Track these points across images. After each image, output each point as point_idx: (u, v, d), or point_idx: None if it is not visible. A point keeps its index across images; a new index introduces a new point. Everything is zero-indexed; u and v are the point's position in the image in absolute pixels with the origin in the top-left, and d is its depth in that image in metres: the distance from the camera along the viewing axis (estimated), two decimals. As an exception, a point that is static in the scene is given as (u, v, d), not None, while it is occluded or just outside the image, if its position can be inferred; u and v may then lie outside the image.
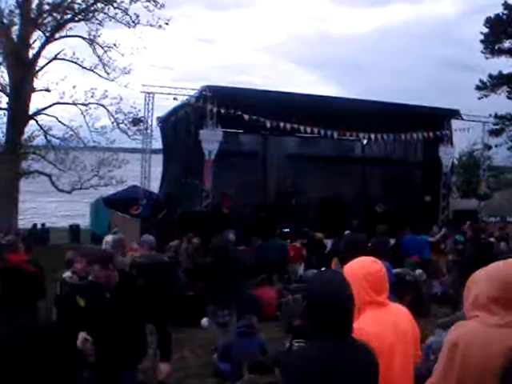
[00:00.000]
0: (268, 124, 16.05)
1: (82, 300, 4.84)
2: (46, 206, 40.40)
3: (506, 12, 32.12)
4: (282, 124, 16.23)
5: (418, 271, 12.16)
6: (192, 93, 16.63)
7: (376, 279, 3.43)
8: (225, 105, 15.47)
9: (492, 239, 16.11)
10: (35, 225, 23.34)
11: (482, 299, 2.72)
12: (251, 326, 7.86)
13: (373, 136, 17.75)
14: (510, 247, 15.25)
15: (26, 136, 22.58)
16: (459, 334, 2.70)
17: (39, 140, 23.35)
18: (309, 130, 16.81)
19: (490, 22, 32.63)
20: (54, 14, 22.11)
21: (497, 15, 32.36)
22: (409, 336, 3.45)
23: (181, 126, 17.76)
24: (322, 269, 6.34)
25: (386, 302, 3.46)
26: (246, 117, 15.62)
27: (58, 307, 5.56)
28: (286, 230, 16.17)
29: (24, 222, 24.64)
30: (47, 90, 22.60)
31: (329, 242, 14.53)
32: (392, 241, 15.15)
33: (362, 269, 3.45)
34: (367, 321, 3.30)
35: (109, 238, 10.27)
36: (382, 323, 3.33)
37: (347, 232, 14.55)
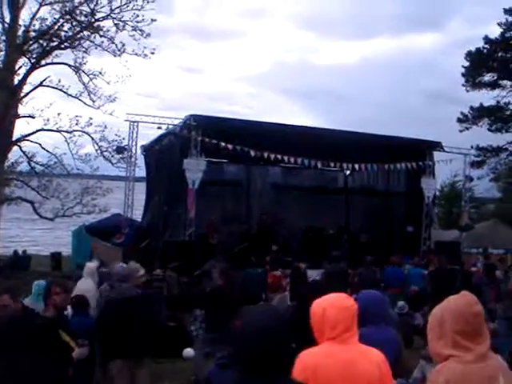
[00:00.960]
0: (252, 153, 16.12)
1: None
2: (30, 233, 40.04)
3: (486, 46, 32.73)
4: (266, 154, 16.31)
5: (400, 303, 12.20)
6: (176, 122, 16.71)
7: (344, 315, 3.39)
8: (209, 134, 15.55)
9: (474, 269, 16.27)
10: (16, 251, 23.14)
11: (451, 336, 2.79)
12: (230, 357, 7.79)
13: (356, 166, 17.87)
14: (507, 275, 15.41)
15: (9, 162, 22.50)
16: (447, 379, 2.76)
17: (23, 166, 23.27)
18: (292, 160, 16.91)
19: (470, 56, 33.21)
20: (40, 41, 22.18)
21: (477, 49, 32.96)
22: (364, 379, 3.33)
23: (165, 155, 17.80)
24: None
25: (352, 340, 3.40)
26: (230, 146, 15.70)
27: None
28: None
29: (7, 249, 24.42)
30: (31, 117, 22.58)
31: (311, 273, 14.54)
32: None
33: (334, 302, 3.44)
34: (313, 352, 3.30)
35: (90, 264, 10.26)
36: (330, 356, 3.29)
37: (327, 264, 14.66)
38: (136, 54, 23.08)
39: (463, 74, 33.77)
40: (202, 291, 11.16)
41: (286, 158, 16.74)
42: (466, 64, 33.55)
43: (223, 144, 15.57)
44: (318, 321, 3.36)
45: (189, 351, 10.69)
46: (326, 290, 3.74)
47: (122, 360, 6.65)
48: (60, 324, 5.52)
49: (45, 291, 6.28)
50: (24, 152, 22.97)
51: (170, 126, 16.88)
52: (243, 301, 12.07)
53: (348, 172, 23.48)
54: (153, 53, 23.21)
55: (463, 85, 33.77)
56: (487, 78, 33.62)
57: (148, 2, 22.26)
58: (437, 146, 19.13)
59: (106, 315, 6.93)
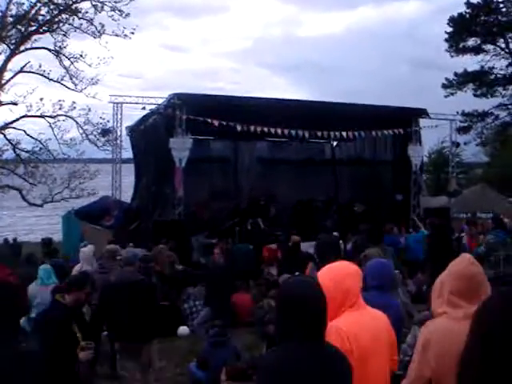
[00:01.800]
0: (238, 128, 16.01)
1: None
2: (20, 221, 39.90)
3: (468, 11, 32.63)
4: (252, 127, 16.19)
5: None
6: (160, 101, 16.60)
7: (354, 282, 3.49)
8: (194, 112, 15.44)
9: (463, 234, 16.37)
10: (7, 239, 23.03)
11: (447, 295, 2.82)
12: (223, 335, 7.86)
13: (344, 134, 17.74)
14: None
15: (-7, 151, 22.36)
16: (430, 331, 2.80)
17: (8, 154, 23.11)
18: (279, 131, 16.79)
19: (453, 21, 33.15)
20: (18, 27, 21.91)
21: (460, 14, 32.86)
22: (384, 341, 3.49)
23: (150, 135, 17.69)
24: (296, 274, 6.44)
25: (362, 304, 3.51)
26: (216, 122, 15.59)
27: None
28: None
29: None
30: (14, 104, 22.39)
31: (303, 245, 14.59)
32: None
33: (341, 271, 3.52)
34: (347, 321, 3.35)
35: (85, 250, 10.27)
36: (360, 325, 3.37)
37: (321, 234, 14.71)
38: (116, 35, 22.90)
39: (446, 40, 33.70)
40: (203, 268, 11.20)
41: (272, 130, 16.59)
42: (449, 30, 33.48)
43: (209, 120, 15.45)
44: (337, 290, 3.39)
45: (183, 329, 10.74)
46: (322, 260, 3.82)
47: (125, 343, 6.76)
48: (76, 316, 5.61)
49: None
50: (8, 139, 22.82)
51: (154, 106, 16.76)
52: (237, 275, 12.21)
53: (335, 143, 23.48)
54: (133, 33, 23.06)
55: (447, 50, 33.74)
56: (471, 42, 33.62)
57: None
58: (422, 113, 19.10)
59: (108, 299, 7.02)
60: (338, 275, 3.47)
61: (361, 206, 19.18)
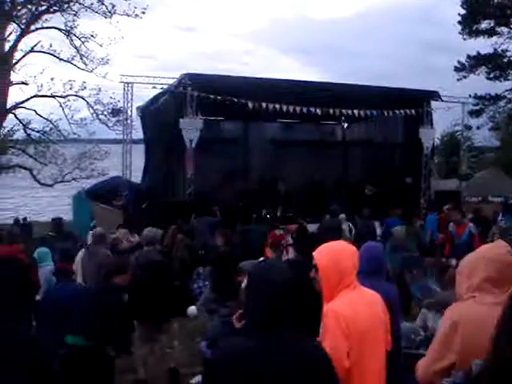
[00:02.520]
0: (250, 105, 15.88)
1: None
2: (30, 201, 40.05)
3: (482, -8, 32.19)
4: (264, 105, 16.06)
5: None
6: (171, 81, 16.52)
7: (351, 262, 3.44)
8: (204, 92, 15.37)
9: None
10: (17, 219, 23.15)
11: (479, 281, 2.79)
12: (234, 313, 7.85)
13: (356, 112, 17.60)
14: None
15: (5, 130, 22.35)
16: (459, 314, 2.76)
17: (19, 134, 23.14)
18: (291, 110, 16.64)
19: (466, 3, 32.65)
20: (29, 6, 21.83)
21: (474, -4, 32.42)
22: (380, 321, 3.47)
23: (161, 116, 17.65)
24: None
25: (356, 284, 3.46)
26: (228, 100, 15.47)
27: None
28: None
29: (8, 217, 24.39)
30: (25, 84, 22.38)
31: (312, 227, 14.59)
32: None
33: (338, 251, 3.48)
34: (343, 303, 3.30)
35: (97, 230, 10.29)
36: (356, 306, 3.34)
37: (324, 219, 14.72)
38: (127, 15, 22.81)
39: (460, 22, 33.25)
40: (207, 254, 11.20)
41: (284, 108, 16.45)
42: (463, 12, 33.04)
43: (219, 98, 15.34)
44: (334, 270, 3.36)
45: (193, 309, 10.76)
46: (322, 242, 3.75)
47: (148, 323, 6.92)
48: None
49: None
50: (19, 119, 22.84)
51: (165, 86, 16.69)
52: (245, 258, 12.19)
53: (346, 125, 23.36)
54: (144, 12, 22.90)
55: (460, 33, 33.27)
56: (484, 25, 33.12)
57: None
58: (434, 95, 18.97)
59: (135, 280, 7.03)
60: (334, 255, 3.43)
61: (371, 188, 19.08)
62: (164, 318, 7.15)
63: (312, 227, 14.56)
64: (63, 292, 6.46)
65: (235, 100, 15.53)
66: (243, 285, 9.60)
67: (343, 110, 17.58)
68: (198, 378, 7.26)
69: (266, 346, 2.47)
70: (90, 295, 5.96)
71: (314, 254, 3.52)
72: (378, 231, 15.07)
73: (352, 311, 3.27)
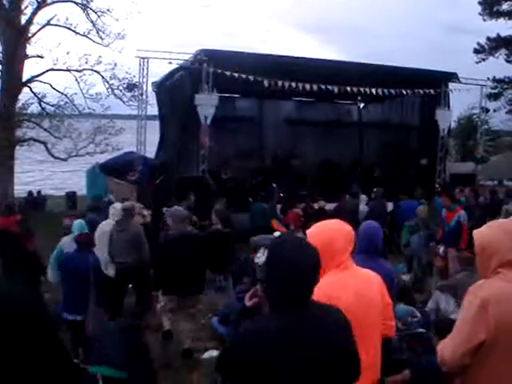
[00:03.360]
0: (266, 83, 15.78)
1: None
2: (44, 174, 40.29)
3: (504, -27, 31.68)
4: (280, 83, 15.93)
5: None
6: (187, 57, 16.41)
7: (343, 241, 3.36)
8: (220, 68, 15.27)
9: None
10: (31, 192, 23.27)
11: (505, 258, 2.73)
12: (247, 291, 7.86)
13: (374, 91, 17.42)
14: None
15: (20, 104, 22.34)
16: (488, 292, 2.69)
17: (33, 107, 23.10)
18: (308, 87, 16.50)
19: (488, -16, 32.19)
20: (46, -21, 21.70)
21: (495, -24, 31.91)
22: (374, 304, 3.35)
23: (176, 91, 17.57)
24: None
25: (349, 264, 3.37)
26: (243, 76, 15.37)
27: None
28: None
29: (23, 190, 24.54)
30: (40, 57, 22.27)
31: (327, 206, 14.59)
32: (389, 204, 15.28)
33: (330, 230, 3.40)
34: (328, 282, 3.20)
35: (117, 205, 10.28)
36: (344, 286, 3.24)
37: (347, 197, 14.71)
38: (144, -11, 22.57)
39: (480, 3, 32.75)
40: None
41: (300, 85, 16.30)
42: (484, -8, 32.55)
43: (236, 75, 15.24)
44: (327, 249, 3.22)
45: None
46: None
47: (184, 296, 7.27)
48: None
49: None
50: (34, 93, 22.78)
51: (181, 62, 16.60)
52: (252, 233, 12.24)
53: (362, 105, 23.19)
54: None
55: (480, 14, 32.79)
56: (505, 6, 32.61)
57: None
58: (452, 76, 18.76)
59: (170, 253, 7.29)
60: (327, 234, 3.35)
61: (378, 170, 19.02)
62: (199, 289, 7.67)
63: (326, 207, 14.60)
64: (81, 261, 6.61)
65: (251, 78, 15.42)
66: (257, 260, 9.64)
67: (360, 88, 17.40)
68: (210, 352, 7.29)
69: (296, 326, 2.48)
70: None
71: (307, 232, 3.44)
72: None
73: (337, 290, 3.17)
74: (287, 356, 2.42)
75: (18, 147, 22.10)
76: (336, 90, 16.80)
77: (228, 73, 15.15)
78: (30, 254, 7.11)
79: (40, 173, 40.13)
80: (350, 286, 3.26)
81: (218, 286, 10.73)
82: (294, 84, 16.16)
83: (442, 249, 9.81)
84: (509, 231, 2.81)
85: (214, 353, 7.23)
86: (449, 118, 19.79)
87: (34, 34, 22.20)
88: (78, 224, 7.59)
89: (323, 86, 16.54)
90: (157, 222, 12.58)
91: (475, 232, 2.95)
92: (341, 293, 3.17)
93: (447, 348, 2.80)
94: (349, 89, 16.96)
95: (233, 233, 11.68)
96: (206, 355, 7.25)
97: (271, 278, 2.61)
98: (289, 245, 2.64)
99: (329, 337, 2.52)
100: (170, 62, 16.54)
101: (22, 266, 6.62)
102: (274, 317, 2.56)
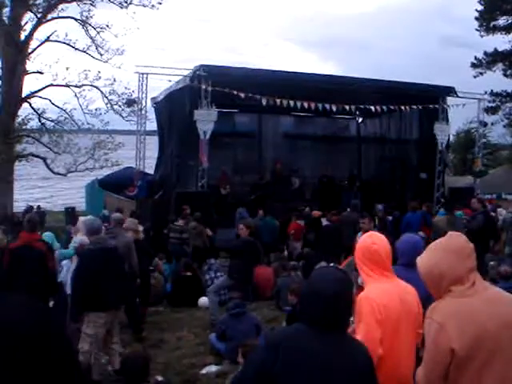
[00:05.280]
0: (264, 101, 15.89)
1: None
2: (43, 189, 40.29)
3: (500, -12, 31.86)
4: (278, 101, 16.05)
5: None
6: (186, 73, 16.49)
7: (379, 254, 3.53)
8: (219, 84, 15.34)
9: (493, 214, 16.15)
10: (31, 207, 23.23)
11: (454, 275, 2.74)
12: (242, 306, 7.88)
13: (372, 108, 17.50)
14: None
15: (19, 119, 22.39)
16: (443, 314, 2.69)
17: (33, 123, 23.14)
18: (306, 105, 16.61)
19: (484, -1, 32.37)
20: (46, -5, 21.80)
21: (491, -9, 32.07)
22: (413, 312, 3.48)
23: (175, 107, 17.64)
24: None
25: (391, 275, 3.54)
26: (242, 94, 15.47)
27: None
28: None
29: (22, 206, 24.51)
30: (40, 73, 22.35)
31: (324, 221, 14.59)
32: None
33: (369, 243, 3.58)
34: (375, 292, 3.37)
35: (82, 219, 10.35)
36: (389, 295, 3.40)
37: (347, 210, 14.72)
38: (143, 5, 22.65)
39: (477, 18, 32.95)
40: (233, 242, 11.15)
41: (298, 104, 16.42)
42: (480, 8, 32.74)
43: (235, 92, 15.34)
44: (375, 258, 3.49)
45: (205, 300, 10.77)
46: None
47: (98, 312, 6.69)
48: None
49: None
50: (34, 108, 22.84)
51: (180, 78, 16.68)
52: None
53: (360, 120, 23.27)
54: (160, 3, 22.76)
55: (477, 29, 32.98)
56: (501, 21, 32.80)
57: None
58: (450, 91, 18.84)
59: (81, 266, 6.96)
60: (382, 243, 3.58)
61: (375, 182, 19.17)
62: (113, 306, 6.87)
63: (323, 221, 14.62)
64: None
65: (249, 95, 15.52)
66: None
67: (359, 106, 17.50)
68: (208, 368, 7.28)
69: (324, 345, 2.60)
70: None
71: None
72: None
73: (386, 299, 3.33)
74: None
75: (17, 162, 22.14)
76: (334, 108, 16.94)
77: (227, 90, 15.22)
78: (51, 272, 7.11)
79: (37, 188, 40.16)
80: (397, 296, 3.43)
81: (219, 299, 10.66)
82: (291, 102, 16.25)
83: None
84: (448, 250, 2.83)
85: (213, 368, 7.21)
86: (447, 131, 19.84)
87: (34, 50, 22.31)
88: (47, 236, 7.59)
89: (320, 105, 16.64)
90: (159, 236, 12.63)
91: (418, 259, 2.96)
92: (389, 302, 3.36)
93: (421, 376, 2.82)
94: (347, 107, 17.11)
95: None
96: (205, 371, 7.23)
97: (303, 303, 2.84)
98: (321, 275, 2.83)
99: (352, 368, 2.60)
100: (170, 80, 16.65)
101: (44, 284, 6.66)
102: (302, 329, 2.68)
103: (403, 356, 3.37)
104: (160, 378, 6.02)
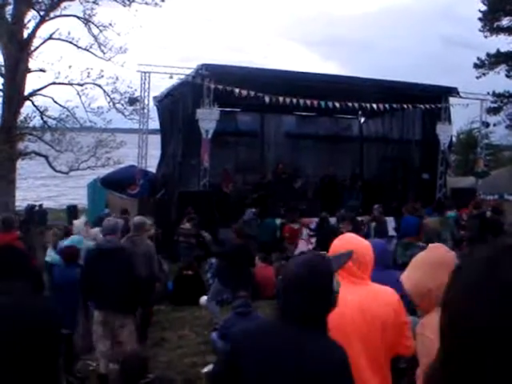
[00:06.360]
0: (267, 99, 15.87)
1: None
2: (45, 187, 40.36)
3: (503, -11, 31.81)
4: (281, 99, 16.03)
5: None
6: (188, 72, 16.50)
7: (371, 256, 3.37)
8: (222, 83, 15.35)
9: (488, 213, 16.11)
10: (32, 205, 23.20)
11: (442, 288, 2.70)
12: (247, 305, 7.87)
13: (375, 106, 17.49)
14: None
15: (21, 117, 22.41)
16: (435, 329, 2.63)
17: (35, 121, 23.16)
18: (308, 103, 16.59)
19: (488, 0, 32.33)
20: (49, -7, 21.82)
21: (495, -8, 32.02)
22: (379, 321, 3.18)
23: (178, 106, 17.64)
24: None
25: (359, 281, 3.28)
26: (244, 92, 15.46)
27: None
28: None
29: (24, 203, 24.52)
30: (42, 71, 22.36)
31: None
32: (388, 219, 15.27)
33: (335, 246, 3.36)
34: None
35: (76, 222, 10.36)
36: (345, 304, 2.98)
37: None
38: (146, 3, 22.66)
39: (480, 19, 32.90)
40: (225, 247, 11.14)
41: (301, 101, 16.39)
42: (484, 8, 32.69)
43: (237, 90, 15.33)
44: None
45: (205, 299, 10.79)
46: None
47: (101, 311, 6.70)
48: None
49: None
50: (36, 106, 22.87)
51: (183, 76, 16.68)
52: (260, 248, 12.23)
53: (362, 120, 23.26)
54: (163, 1, 22.74)
55: (480, 30, 32.93)
56: (505, 22, 32.76)
57: None
58: (452, 91, 18.84)
59: (86, 266, 7.00)
60: (359, 244, 3.37)
61: (376, 182, 19.17)
62: (114, 306, 6.70)
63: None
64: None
65: (252, 93, 15.51)
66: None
67: (362, 104, 17.47)
68: (210, 366, 7.27)
69: (287, 343, 2.41)
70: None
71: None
72: (392, 225, 15.12)
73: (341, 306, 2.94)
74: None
75: (20, 161, 22.17)
76: (337, 105, 16.87)
77: (229, 88, 15.22)
78: (36, 271, 7.09)
79: (39, 186, 40.23)
80: (357, 303, 3.17)
81: (220, 299, 10.65)
82: (294, 100, 16.23)
83: None
84: (430, 263, 2.81)
85: (215, 367, 7.20)
86: (450, 132, 19.84)
87: (37, 48, 22.32)
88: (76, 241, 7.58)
89: (323, 103, 16.61)
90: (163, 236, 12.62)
91: (402, 277, 2.92)
92: (345, 309, 3.03)
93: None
94: (350, 104, 17.03)
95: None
96: (207, 369, 7.23)
97: (281, 292, 2.58)
98: (299, 259, 2.63)
99: (318, 370, 2.36)
100: (171, 77, 16.63)
101: (28, 284, 6.57)
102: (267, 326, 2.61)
103: (360, 369, 3.00)
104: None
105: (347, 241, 3.44)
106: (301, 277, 2.44)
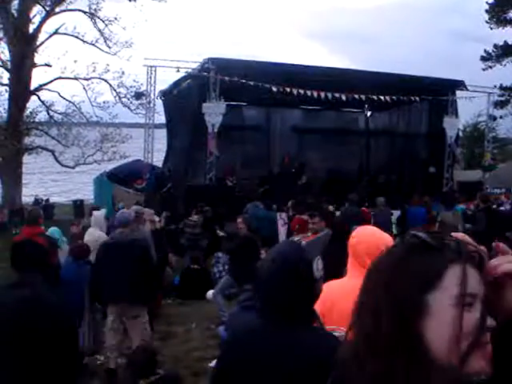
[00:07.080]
0: (274, 89, 15.79)
1: None
2: (51, 182, 40.40)
3: (511, -19, 31.62)
4: (287, 89, 15.94)
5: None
6: (194, 65, 16.47)
7: (355, 248, 3.28)
8: (228, 77, 15.31)
9: (502, 208, 16.04)
10: (38, 200, 23.25)
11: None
12: (253, 298, 7.83)
13: (382, 98, 17.41)
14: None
15: (28, 112, 22.44)
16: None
17: (41, 116, 23.20)
18: (315, 95, 16.52)
19: (495, -7, 32.13)
20: (55, -12, 21.84)
21: (502, -16, 31.84)
22: None
23: (184, 100, 17.62)
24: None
25: (355, 274, 3.19)
26: (251, 84, 15.38)
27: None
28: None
29: (30, 198, 24.59)
30: (48, 65, 22.39)
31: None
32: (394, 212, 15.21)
33: (353, 236, 3.33)
34: (336, 284, 3.18)
35: (97, 213, 10.33)
36: (350, 293, 2.99)
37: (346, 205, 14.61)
38: (151, -2, 22.67)
39: (487, 11, 32.69)
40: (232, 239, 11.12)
41: (308, 93, 16.31)
42: (491, 0, 32.49)
43: (243, 82, 15.26)
44: (352, 252, 3.23)
45: (212, 292, 10.78)
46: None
47: (115, 303, 6.69)
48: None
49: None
50: (42, 101, 22.90)
51: (188, 70, 16.65)
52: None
53: (369, 113, 23.18)
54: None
55: (487, 22, 32.73)
56: (512, 14, 32.59)
57: None
58: (459, 84, 18.75)
59: (97, 259, 6.97)
60: (371, 236, 3.28)
61: (383, 177, 19.05)
62: (126, 300, 6.68)
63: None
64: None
65: (259, 84, 15.44)
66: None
67: (369, 96, 17.38)
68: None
69: (266, 337, 2.28)
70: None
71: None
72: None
73: (342, 297, 2.91)
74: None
75: (26, 156, 22.22)
76: (344, 97, 16.79)
77: (236, 79, 15.16)
78: (54, 267, 7.09)
79: (45, 180, 40.29)
80: (351, 289, 3.14)
81: (227, 293, 10.63)
82: (302, 91, 16.16)
83: None
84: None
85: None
86: (456, 125, 19.78)
87: (42, 43, 22.35)
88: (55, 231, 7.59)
89: (330, 94, 16.53)
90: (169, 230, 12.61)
91: None
92: (345, 297, 3.00)
93: None
94: (357, 96, 16.95)
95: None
96: (213, 364, 7.20)
97: (258, 284, 2.44)
98: (269, 251, 2.54)
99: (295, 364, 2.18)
100: (178, 71, 16.61)
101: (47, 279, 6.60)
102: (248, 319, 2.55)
103: None
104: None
105: (359, 233, 3.39)
106: (275, 269, 2.28)
